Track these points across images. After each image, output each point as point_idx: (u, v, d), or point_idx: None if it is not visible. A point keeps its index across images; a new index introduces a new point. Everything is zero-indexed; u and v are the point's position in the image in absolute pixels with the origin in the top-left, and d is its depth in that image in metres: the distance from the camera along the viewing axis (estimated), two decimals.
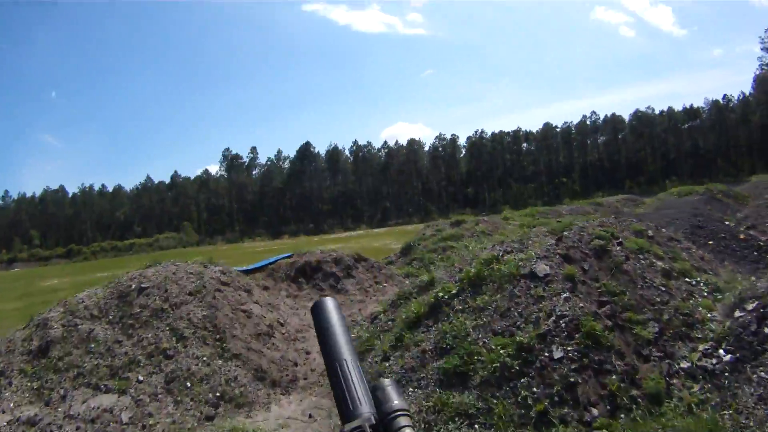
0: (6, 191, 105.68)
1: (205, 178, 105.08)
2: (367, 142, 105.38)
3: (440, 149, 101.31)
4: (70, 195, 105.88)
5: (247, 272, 13.07)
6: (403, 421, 0.96)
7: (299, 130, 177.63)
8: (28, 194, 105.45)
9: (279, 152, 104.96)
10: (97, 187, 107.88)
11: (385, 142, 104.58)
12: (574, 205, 31.28)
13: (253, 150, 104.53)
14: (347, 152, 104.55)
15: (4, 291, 35.17)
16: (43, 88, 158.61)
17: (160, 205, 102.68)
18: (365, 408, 0.99)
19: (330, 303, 1.17)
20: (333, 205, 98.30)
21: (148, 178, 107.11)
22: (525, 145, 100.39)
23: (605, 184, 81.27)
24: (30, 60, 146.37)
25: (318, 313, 1.16)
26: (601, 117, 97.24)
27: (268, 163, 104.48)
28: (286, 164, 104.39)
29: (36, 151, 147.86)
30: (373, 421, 0.96)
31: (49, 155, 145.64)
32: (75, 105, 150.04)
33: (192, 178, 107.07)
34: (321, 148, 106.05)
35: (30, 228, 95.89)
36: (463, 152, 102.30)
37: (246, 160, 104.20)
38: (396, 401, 0.98)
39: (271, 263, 14.41)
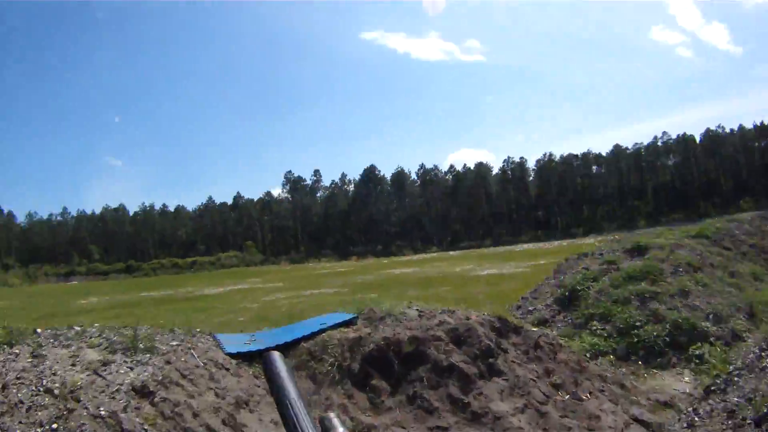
0: (65, 207, 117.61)
1: (267, 200, 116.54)
2: (434, 165, 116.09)
3: (509, 172, 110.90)
4: (131, 213, 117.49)
5: (260, 353, 7.53)
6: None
7: (362, 155, 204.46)
8: (88, 211, 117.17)
9: (343, 175, 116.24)
10: (157, 207, 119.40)
11: (452, 166, 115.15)
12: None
13: (317, 173, 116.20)
14: (413, 175, 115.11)
15: (33, 307, 35.29)
16: (106, 111, 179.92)
17: (223, 225, 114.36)
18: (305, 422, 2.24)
19: (276, 356, 2.88)
20: (401, 227, 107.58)
21: (210, 198, 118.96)
22: (595, 167, 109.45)
23: (678, 205, 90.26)
24: (94, 84, 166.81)
25: (267, 365, 2.95)
26: (673, 136, 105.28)
27: (332, 186, 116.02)
28: (351, 187, 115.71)
29: (97, 171, 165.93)
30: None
31: (109, 176, 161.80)
32: (137, 128, 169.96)
33: (254, 199, 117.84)
34: (386, 171, 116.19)
35: (89, 244, 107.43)
36: (532, 176, 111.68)
37: (309, 182, 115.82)
38: (339, 427, 2.50)
39: (308, 336, 8.10)
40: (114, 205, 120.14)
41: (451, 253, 77.05)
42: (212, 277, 64.88)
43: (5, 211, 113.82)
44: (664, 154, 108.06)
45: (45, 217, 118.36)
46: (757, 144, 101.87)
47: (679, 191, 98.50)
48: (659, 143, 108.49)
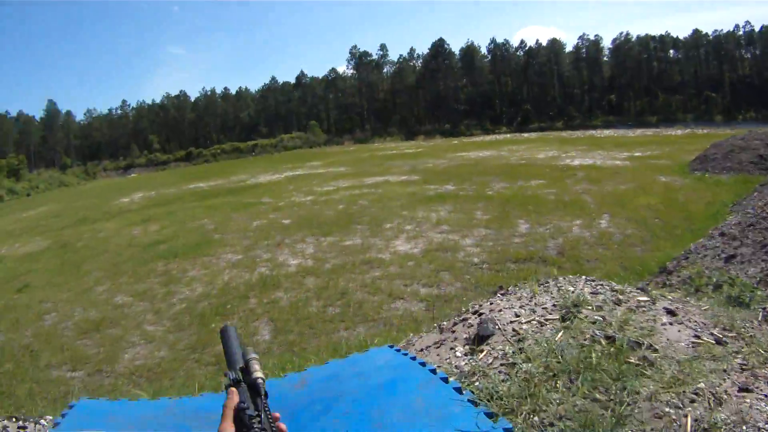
0: (124, 100, 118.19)
1: (332, 77, 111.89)
2: (505, 40, 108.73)
3: (583, 51, 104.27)
4: (192, 99, 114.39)
5: None
6: (254, 361, 1.59)
7: (430, 28, 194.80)
8: (148, 102, 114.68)
9: (411, 50, 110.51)
10: (219, 91, 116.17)
11: (523, 41, 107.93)
12: None
13: (383, 47, 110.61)
14: (484, 50, 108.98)
15: (69, 212, 34.76)
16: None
17: (286, 105, 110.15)
18: (239, 358, 1.62)
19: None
20: (470, 105, 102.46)
21: (273, 78, 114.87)
22: (672, 52, 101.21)
23: (756, 102, 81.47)
24: None
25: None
26: (756, 28, 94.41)
27: (400, 60, 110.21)
28: (419, 63, 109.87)
29: (157, 62, 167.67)
30: (242, 364, 1.59)
31: (170, 65, 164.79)
32: (197, 15, 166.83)
33: (319, 77, 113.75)
34: (455, 46, 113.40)
35: (150, 134, 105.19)
36: (606, 56, 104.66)
37: (376, 57, 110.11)
38: (252, 353, 1.61)
39: None
40: (174, 92, 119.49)
41: (525, 135, 72.16)
42: (272, 161, 62.06)
43: (63, 111, 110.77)
44: (744, 45, 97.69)
45: (104, 112, 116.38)
46: None
47: (757, 87, 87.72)
48: (741, 32, 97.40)
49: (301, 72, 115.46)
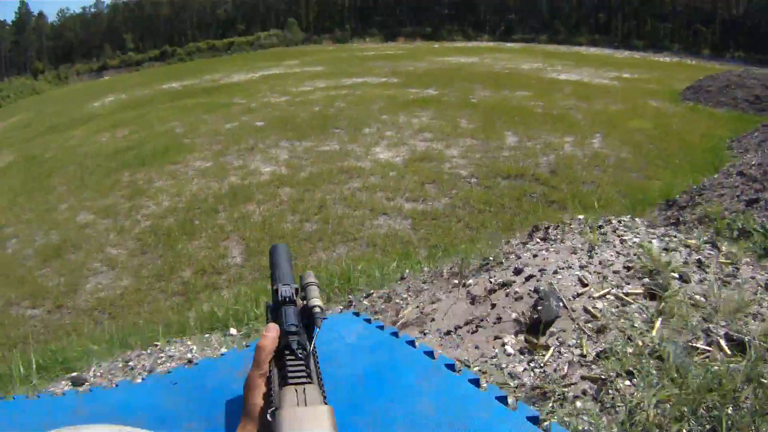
0: None
1: None
2: None
3: None
4: None
5: None
6: (314, 286, 1.29)
7: None
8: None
9: None
10: None
11: None
12: None
13: None
14: None
15: (40, 120, 32.33)
16: None
17: (265, 0, 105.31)
18: (292, 277, 1.35)
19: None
20: (453, 9, 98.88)
21: None
22: None
23: (745, 43, 75.00)
24: None
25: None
26: None
27: None
28: None
29: None
30: (296, 285, 1.31)
31: None
32: None
33: None
34: None
35: (124, 33, 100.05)
36: None
37: None
38: (312, 277, 1.32)
39: None
40: None
41: (508, 44, 69.41)
42: (248, 59, 59.20)
43: (35, 12, 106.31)
44: None
45: (78, 11, 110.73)
46: None
47: (749, 29, 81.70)
48: None
49: None
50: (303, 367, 1.12)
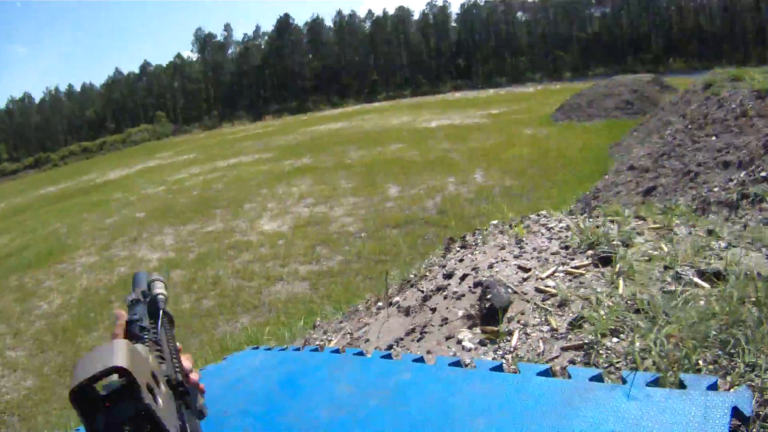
0: None
1: (178, 63, 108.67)
2: (351, 11, 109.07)
3: (430, 17, 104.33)
4: (37, 101, 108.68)
5: None
6: (158, 281, 1.37)
7: (276, 3, 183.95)
8: None
9: (257, 28, 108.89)
10: (63, 89, 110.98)
11: (370, 11, 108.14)
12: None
13: (227, 27, 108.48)
14: (330, 22, 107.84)
15: None
16: None
17: (132, 97, 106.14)
18: (143, 283, 1.40)
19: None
20: (317, 80, 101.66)
21: (117, 70, 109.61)
22: (520, 13, 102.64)
23: (605, 60, 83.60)
24: None
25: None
26: None
27: (245, 40, 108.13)
28: (265, 40, 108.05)
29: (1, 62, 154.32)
30: (144, 288, 1.37)
31: (12, 65, 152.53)
32: (38, 10, 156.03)
33: (164, 65, 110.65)
34: (301, 20, 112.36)
35: None
36: (454, 21, 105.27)
37: (221, 38, 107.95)
38: (157, 275, 1.40)
39: None
40: (18, 95, 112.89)
41: (375, 104, 72.01)
42: (121, 156, 59.86)
43: None
44: (595, 4, 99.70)
45: None
46: (692, 3, 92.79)
47: (606, 44, 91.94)
48: None
49: (145, 61, 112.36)
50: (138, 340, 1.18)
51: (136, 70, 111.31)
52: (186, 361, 1.27)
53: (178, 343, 1.28)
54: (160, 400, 0.94)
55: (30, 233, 21.14)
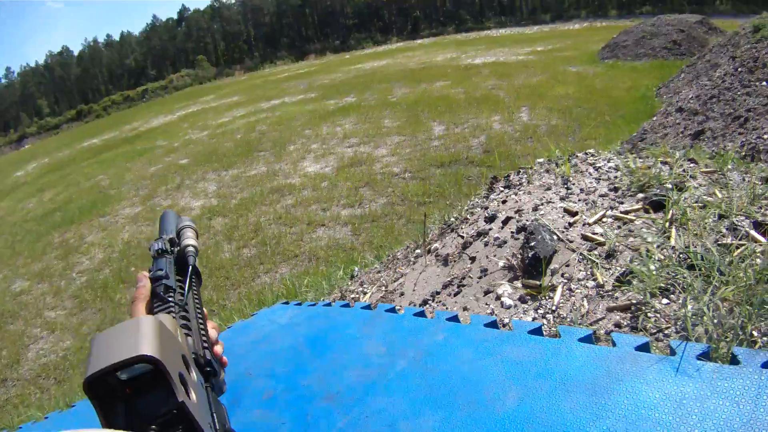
0: (7, 68, 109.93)
1: (216, 6, 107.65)
2: None
3: None
4: (76, 54, 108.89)
5: None
6: (188, 228, 1.30)
7: None
8: (32, 65, 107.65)
9: None
10: (102, 40, 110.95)
11: None
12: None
13: None
14: None
15: None
16: None
17: (172, 42, 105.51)
18: (172, 228, 1.32)
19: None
20: (358, 18, 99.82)
21: (155, 17, 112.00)
22: None
23: None
24: None
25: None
26: None
27: None
28: None
29: (36, 20, 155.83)
30: (173, 235, 1.30)
31: (50, 21, 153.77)
32: None
33: (202, 9, 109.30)
34: None
35: (38, 99, 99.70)
36: None
37: None
38: (188, 221, 1.33)
39: None
40: (57, 49, 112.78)
41: (418, 41, 70.48)
42: (164, 103, 59.38)
43: None
44: None
45: None
46: None
47: None
48: None
49: (183, 6, 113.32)
50: (163, 305, 1.10)
51: (175, 16, 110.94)
52: (212, 330, 1.20)
53: (204, 309, 1.23)
54: (192, 394, 0.85)
55: (74, 186, 21.28)
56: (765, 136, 6.51)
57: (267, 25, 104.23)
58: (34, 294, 11.50)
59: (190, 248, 1.27)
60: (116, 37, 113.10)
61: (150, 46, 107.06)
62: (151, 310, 1.10)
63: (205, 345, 1.09)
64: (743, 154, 6.27)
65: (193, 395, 0.85)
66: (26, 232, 16.45)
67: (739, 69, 9.56)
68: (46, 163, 35.14)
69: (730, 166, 3.17)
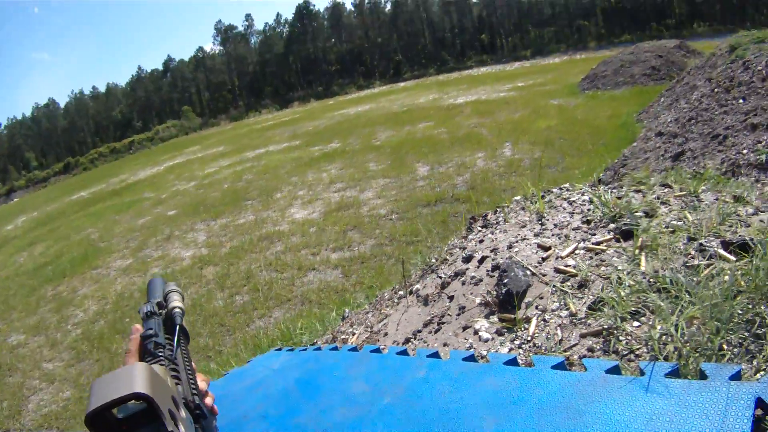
0: None
1: (201, 57, 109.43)
2: None
3: None
4: (63, 106, 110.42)
5: None
6: (174, 292, 1.38)
7: None
8: (19, 117, 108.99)
9: (278, 15, 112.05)
10: (88, 91, 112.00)
11: None
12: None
13: (248, 17, 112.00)
14: (350, 6, 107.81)
15: None
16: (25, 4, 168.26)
17: (158, 93, 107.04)
18: (159, 294, 1.39)
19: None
20: (341, 64, 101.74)
21: (140, 68, 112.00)
22: None
23: (629, 27, 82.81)
24: None
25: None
26: None
27: (266, 29, 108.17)
28: (286, 29, 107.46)
29: (22, 71, 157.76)
30: (160, 299, 1.37)
31: (35, 73, 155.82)
32: (56, 15, 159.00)
33: (186, 59, 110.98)
34: (321, 5, 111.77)
35: (26, 152, 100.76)
36: None
37: (242, 29, 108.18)
38: (173, 285, 1.41)
39: None
40: (43, 101, 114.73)
41: (401, 84, 71.93)
42: (150, 155, 60.48)
43: None
44: None
45: None
46: None
47: (629, 12, 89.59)
48: None
49: (168, 56, 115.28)
50: (154, 359, 1.15)
51: (160, 67, 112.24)
52: (201, 382, 1.26)
53: (193, 363, 1.29)
54: (182, 427, 0.93)
55: (64, 240, 21.31)
56: (744, 152, 6.66)
57: (251, 74, 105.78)
58: (31, 347, 11.47)
59: (177, 309, 1.35)
60: (102, 88, 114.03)
61: (136, 98, 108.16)
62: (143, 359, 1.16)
63: (195, 392, 1.15)
64: (724, 170, 6.40)
65: (182, 429, 0.92)
66: (19, 286, 16.38)
67: (716, 90, 9.79)
68: (35, 216, 35.28)
69: (704, 188, 3.25)
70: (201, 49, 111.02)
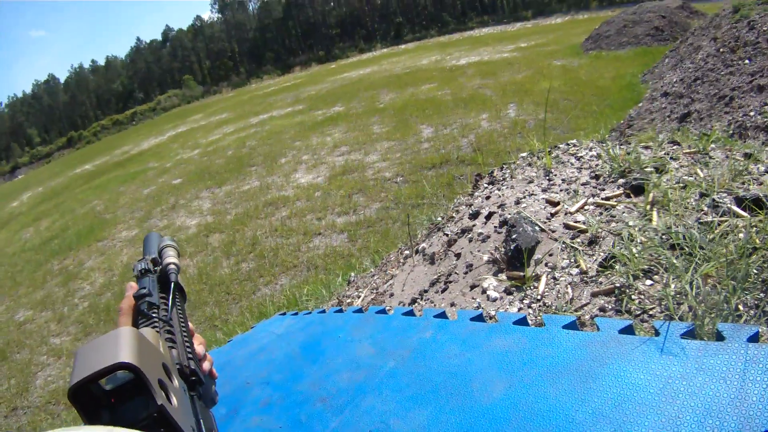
0: None
1: (199, 25, 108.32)
2: None
3: None
4: (63, 81, 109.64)
5: None
6: (169, 247, 1.34)
7: None
8: (19, 94, 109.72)
9: None
10: (87, 65, 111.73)
11: None
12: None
13: None
14: None
15: None
16: None
17: (158, 64, 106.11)
18: (154, 249, 1.36)
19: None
20: (341, 27, 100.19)
21: (139, 39, 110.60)
22: None
23: None
24: None
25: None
26: None
27: None
28: None
29: (20, 49, 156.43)
30: (155, 255, 1.34)
31: (34, 50, 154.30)
32: None
33: (185, 29, 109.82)
34: None
35: (28, 129, 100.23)
36: None
37: None
38: (169, 240, 1.37)
39: None
40: (43, 78, 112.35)
41: (402, 46, 70.90)
42: (153, 125, 59.60)
43: None
44: None
45: None
46: None
47: None
48: None
49: (166, 26, 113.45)
50: (147, 321, 1.10)
51: (159, 37, 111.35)
52: (198, 346, 1.21)
53: (190, 324, 1.24)
54: (173, 398, 0.87)
55: (69, 213, 21.25)
56: (751, 114, 6.57)
57: (251, 41, 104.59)
58: (38, 322, 11.47)
59: (172, 266, 1.30)
60: (101, 61, 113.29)
61: (136, 69, 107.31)
62: (135, 326, 1.09)
63: (190, 356, 1.09)
64: (731, 132, 6.31)
65: (174, 400, 0.86)
66: (25, 262, 16.39)
67: (721, 49, 9.62)
68: (40, 192, 35.04)
69: (713, 146, 3.17)
70: (199, 17, 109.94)
